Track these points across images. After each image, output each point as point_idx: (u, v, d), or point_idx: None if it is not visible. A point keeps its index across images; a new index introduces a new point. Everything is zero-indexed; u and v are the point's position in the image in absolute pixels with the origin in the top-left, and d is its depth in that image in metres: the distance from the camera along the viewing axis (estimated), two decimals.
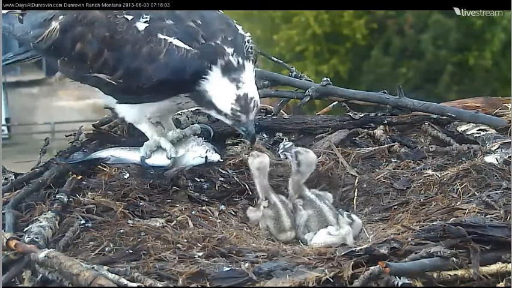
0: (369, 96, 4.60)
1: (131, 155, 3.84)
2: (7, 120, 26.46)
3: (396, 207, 3.54)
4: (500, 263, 2.75)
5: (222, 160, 3.86)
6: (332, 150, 4.04)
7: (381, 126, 4.37)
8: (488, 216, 3.14)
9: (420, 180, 3.70)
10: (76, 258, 2.84)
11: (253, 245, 3.19)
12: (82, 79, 3.76)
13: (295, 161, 3.49)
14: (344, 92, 4.61)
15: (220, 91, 3.45)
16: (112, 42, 3.52)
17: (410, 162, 3.93)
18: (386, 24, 22.86)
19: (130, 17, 3.53)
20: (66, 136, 4.26)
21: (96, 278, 2.64)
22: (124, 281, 2.66)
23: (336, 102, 4.73)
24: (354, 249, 2.82)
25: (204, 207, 3.53)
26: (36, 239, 3.02)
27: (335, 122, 4.42)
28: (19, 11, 3.87)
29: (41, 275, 2.82)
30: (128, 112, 3.83)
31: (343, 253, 2.79)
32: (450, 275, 2.71)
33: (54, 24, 3.68)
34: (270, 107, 4.73)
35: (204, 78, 3.45)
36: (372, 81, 20.62)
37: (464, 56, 22.12)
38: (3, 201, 3.41)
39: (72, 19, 3.64)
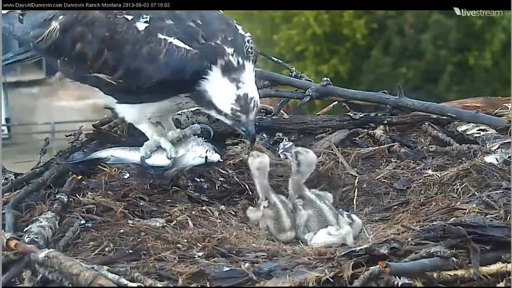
0: (369, 96, 4.60)
1: (131, 155, 3.84)
2: (7, 120, 26.45)
3: (396, 207, 3.53)
4: (500, 263, 2.75)
5: (222, 160, 3.86)
6: (332, 150, 4.04)
7: (381, 126, 4.37)
8: (488, 216, 3.14)
9: (420, 180, 3.69)
10: (76, 258, 2.83)
11: (253, 245, 3.18)
12: (82, 79, 3.76)
13: (295, 161, 3.49)
14: (344, 92, 4.61)
15: (220, 91, 3.45)
16: (112, 42, 3.52)
17: (410, 162, 3.92)
18: (386, 24, 22.85)
19: (130, 17, 3.53)
20: (66, 136, 4.26)
21: (96, 278, 2.64)
22: (124, 281, 2.66)
23: (336, 102, 4.72)
24: (354, 249, 2.81)
25: (204, 207, 3.53)
26: (36, 239, 3.02)
27: (335, 122, 4.42)
28: (19, 11, 3.87)
29: (41, 275, 2.82)
30: (128, 112, 3.83)
31: (343, 253, 2.79)
32: (450, 275, 2.70)
33: (54, 24, 3.68)
34: (270, 107, 4.72)
35: (204, 78, 3.45)
36: (372, 81, 20.61)
37: (464, 56, 22.11)
38: (3, 201, 3.41)
39: (72, 19, 3.64)
